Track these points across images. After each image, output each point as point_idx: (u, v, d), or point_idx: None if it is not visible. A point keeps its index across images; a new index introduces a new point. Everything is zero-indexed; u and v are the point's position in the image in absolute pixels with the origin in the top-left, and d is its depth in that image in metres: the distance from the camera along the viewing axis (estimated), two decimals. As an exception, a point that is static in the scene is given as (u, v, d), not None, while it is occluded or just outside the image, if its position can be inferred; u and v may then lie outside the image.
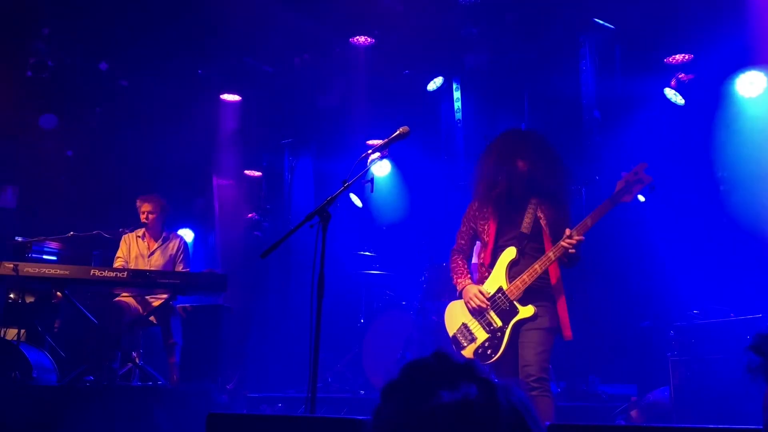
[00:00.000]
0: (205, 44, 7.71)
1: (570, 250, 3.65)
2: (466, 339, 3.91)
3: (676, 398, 4.78)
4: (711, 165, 6.50)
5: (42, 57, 7.55)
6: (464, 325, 3.94)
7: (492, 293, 3.84)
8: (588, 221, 3.69)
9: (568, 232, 3.66)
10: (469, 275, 4.02)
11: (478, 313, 3.88)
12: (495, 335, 3.79)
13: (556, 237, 3.76)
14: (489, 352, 3.79)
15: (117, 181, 9.18)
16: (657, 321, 5.75)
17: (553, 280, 3.80)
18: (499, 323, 3.79)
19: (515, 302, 3.76)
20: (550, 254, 3.72)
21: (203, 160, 9.52)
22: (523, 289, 3.75)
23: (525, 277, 3.75)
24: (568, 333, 3.76)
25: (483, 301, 3.83)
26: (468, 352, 3.88)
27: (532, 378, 3.62)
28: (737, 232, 6.15)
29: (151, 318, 6.14)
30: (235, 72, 8.32)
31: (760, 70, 6.31)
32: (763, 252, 5.91)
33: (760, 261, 5.87)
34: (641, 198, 3.73)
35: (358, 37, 7.52)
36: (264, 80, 8.50)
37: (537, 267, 3.74)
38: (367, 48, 7.67)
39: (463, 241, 4.12)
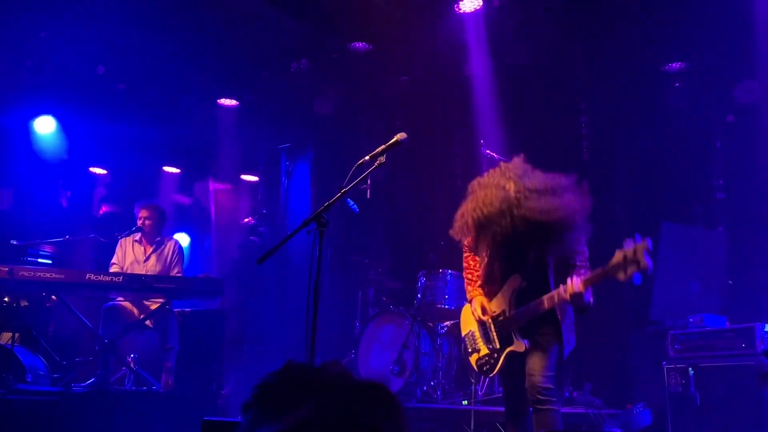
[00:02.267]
0: (202, 48, 7.71)
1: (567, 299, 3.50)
2: (471, 346, 3.94)
3: (672, 406, 4.78)
4: (708, 172, 6.52)
5: (39, 60, 7.54)
6: (471, 333, 3.96)
7: (497, 313, 3.80)
8: (580, 287, 3.49)
9: (564, 286, 3.51)
10: (479, 282, 3.93)
11: (482, 325, 3.88)
12: (492, 355, 3.80)
13: (560, 269, 3.65)
14: (486, 368, 3.83)
15: (113, 186, 9.18)
16: (652, 328, 5.76)
17: (558, 310, 3.67)
18: (498, 345, 3.78)
19: (513, 335, 3.71)
20: (545, 301, 3.58)
21: (200, 164, 9.53)
22: (519, 325, 3.70)
23: (530, 309, 3.64)
24: (564, 352, 3.70)
25: (484, 318, 3.82)
26: (472, 359, 3.92)
27: (536, 390, 3.53)
28: (734, 239, 6.16)
29: (148, 322, 6.12)
30: (232, 77, 8.33)
31: (755, 79, 6.34)
32: (759, 259, 5.92)
33: (756, 269, 5.89)
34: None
35: (355, 42, 7.54)
36: (261, 85, 8.51)
37: (545, 302, 3.59)
38: (364, 54, 7.68)
39: (467, 265, 4.07)
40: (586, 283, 3.49)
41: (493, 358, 3.78)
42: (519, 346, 3.68)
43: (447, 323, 6.63)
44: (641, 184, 6.74)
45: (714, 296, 5.70)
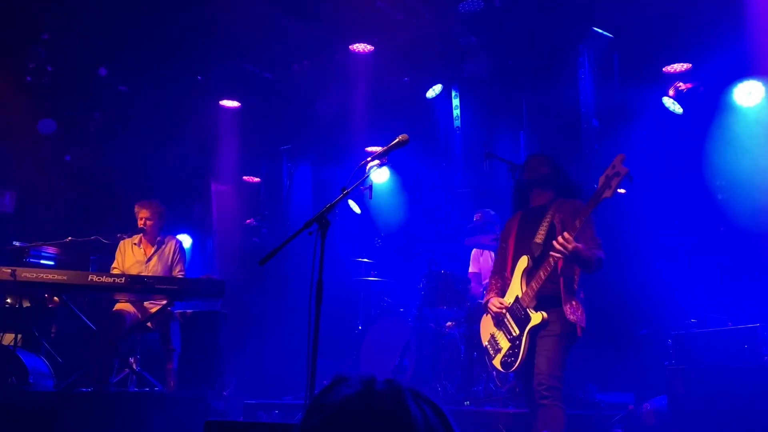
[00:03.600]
0: (204, 50, 7.73)
1: (562, 253, 3.69)
2: (493, 349, 4.05)
3: (674, 407, 4.78)
4: (709, 173, 6.52)
5: (41, 62, 7.56)
6: (492, 336, 4.09)
7: (511, 303, 3.96)
8: (576, 223, 3.75)
9: (561, 237, 3.71)
10: (498, 292, 4.13)
11: (500, 322, 4.02)
12: (514, 344, 3.91)
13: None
14: (510, 360, 3.92)
15: (116, 187, 9.19)
16: (654, 329, 5.76)
17: (562, 284, 3.83)
18: (517, 331, 3.90)
19: (528, 309, 3.85)
20: (549, 259, 3.78)
21: (202, 166, 9.54)
22: (533, 295, 3.85)
23: (533, 284, 3.85)
24: (580, 332, 3.82)
25: (499, 308, 3.98)
26: (496, 361, 4.02)
27: (543, 387, 3.70)
28: (735, 240, 6.16)
29: (149, 324, 6.12)
30: (234, 78, 8.34)
31: (759, 80, 6.34)
32: (761, 260, 5.92)
33: (758, 269, 5.88)
34: (621, 191, 3.85)
35: (357, 44, 7.55)
36: (263, 86, 8.52)
37: (541, 273, 3.82)
38: (366, 55, 7.69)
39: (498, 264, 4.27)
40: (580, 218, 3.72)
41: (516, 346, 3.88)
42: (536, 318, 3.80)
43: (449, 324, 6.63)
44: (642, 184, 6.73)
45: (717, 296, 5.69)
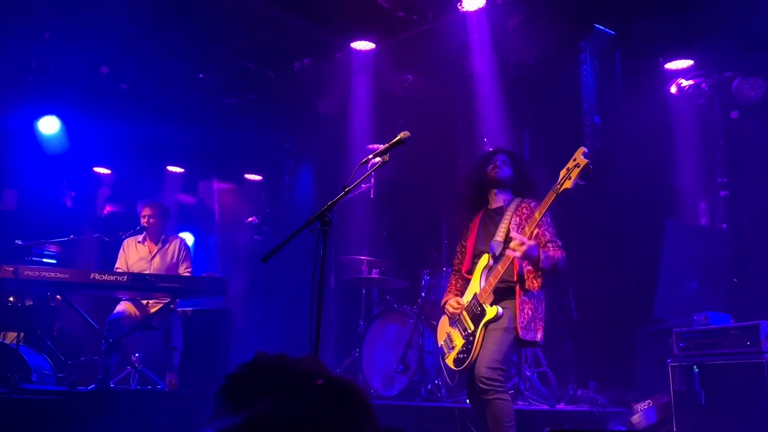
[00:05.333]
0: (206, 48, 7.72)
1: (517, 253, 3.67)
2: (448, 347, 4.01)
3: (676, 405, 4.78)
4: (712, 170, 6.51)
5: (43, 60, 7.56)
6: (448, 335, 4.05)
7: (468, 301, 3.95)
8: (536, 215, 3.74)
9: (514, 236, 3.72)
10: (457, 293, 4.14)
11: (456, 321, 3.99)
12: (468, 339, 3.85)
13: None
14: (463, 356, 3.84)
15: (117, 186, 9.20)
16: (656, 327, 5.75)
17: (515, 279, 3.85)
18: (472, 327, 3.86)
19: (484, 305, 3.83)
20: (507, 252, 3.76)
21: (204, 164, 9.54)
22: (490, 291, 3.83)
23: (491, 278, 3.84)
24: (520, 332, 3.75)
25: (456, 307, 3.96)
26: (449, 360, 3.95)
27: (480, 379, 3.65)
28: (737, 237, 6.15)
29: (152, 322, 6.13)
30: (235, 76, 8.34)
31: (759, 76, 6.32)
32: (764, 258, 5.91)
33: (760, 267, 5.88)
34: (581, 183, 3.75)
35: (358, 42, 7.54)
36: (265, 84, 8.51)
37: (499, 267, 3.81)
38: (367, 53, 7.69)
39: (457, 260, 4.28)
40: (541, 210, 3.69)
41: (470, 342, 3.81)
42: (491, 312, 3.77)
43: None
44: (645, 182, 6.73)
45: (718, 294, 5.69)
